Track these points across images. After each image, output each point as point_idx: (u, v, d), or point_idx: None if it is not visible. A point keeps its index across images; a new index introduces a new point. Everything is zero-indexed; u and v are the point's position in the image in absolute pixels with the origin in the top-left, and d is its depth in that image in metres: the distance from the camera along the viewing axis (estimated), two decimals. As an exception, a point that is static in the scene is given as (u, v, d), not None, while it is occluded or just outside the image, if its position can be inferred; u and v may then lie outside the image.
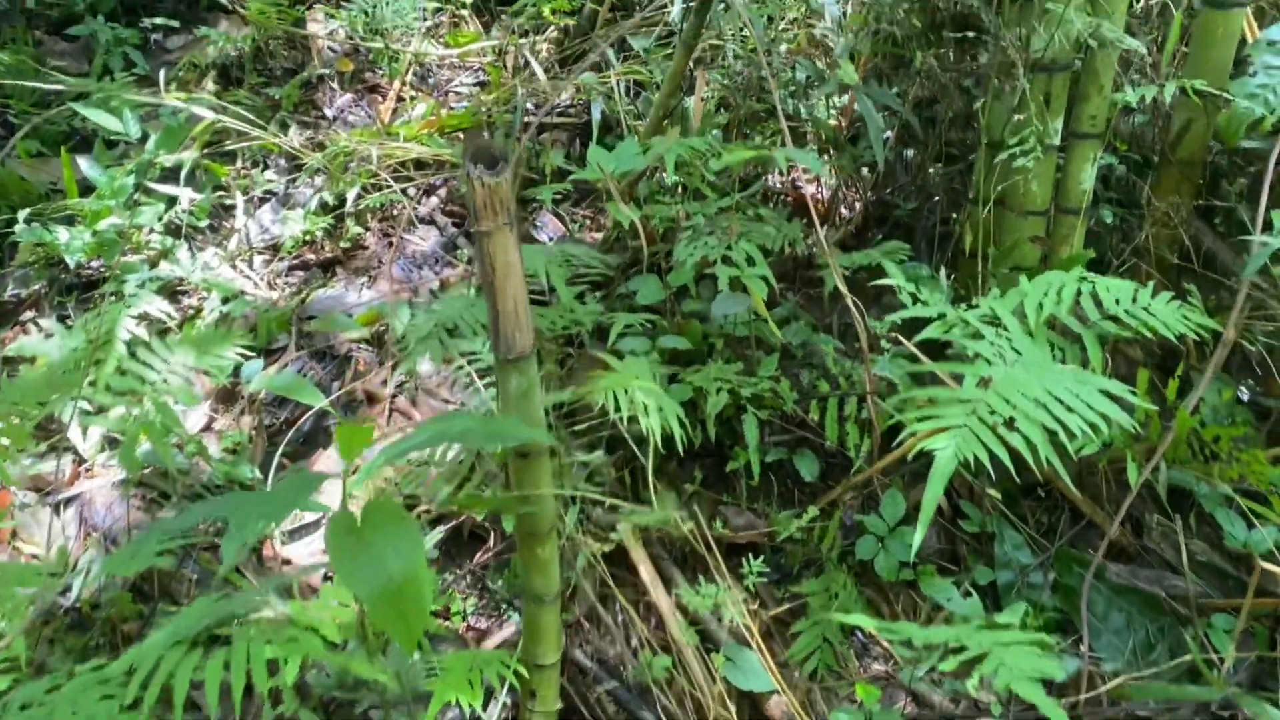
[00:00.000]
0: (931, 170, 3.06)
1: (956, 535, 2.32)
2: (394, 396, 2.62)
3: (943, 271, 2.70)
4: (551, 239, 3.15)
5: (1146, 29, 2.49)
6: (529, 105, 3.38)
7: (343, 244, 3.08)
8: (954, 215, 3.11)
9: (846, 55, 2.42)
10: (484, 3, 4.03)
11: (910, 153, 3.16)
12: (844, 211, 3.20)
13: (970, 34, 2.36)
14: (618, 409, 1.82)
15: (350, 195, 3.03)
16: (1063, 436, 1.75)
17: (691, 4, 2.48)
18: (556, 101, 3.41)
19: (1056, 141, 2.44)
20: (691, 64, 2.72)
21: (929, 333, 2.02)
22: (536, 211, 3.17)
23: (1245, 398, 2.53)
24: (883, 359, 2.40)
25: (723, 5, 2.67)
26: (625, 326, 2.37)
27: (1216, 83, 2.44)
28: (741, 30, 2.71)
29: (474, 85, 3.74)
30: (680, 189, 2.71)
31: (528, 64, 3.56)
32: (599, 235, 3.08)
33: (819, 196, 3.08)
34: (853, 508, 2.37)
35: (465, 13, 3.92)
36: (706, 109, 3.06)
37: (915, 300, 2.18)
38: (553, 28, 3.78)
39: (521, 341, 1.48)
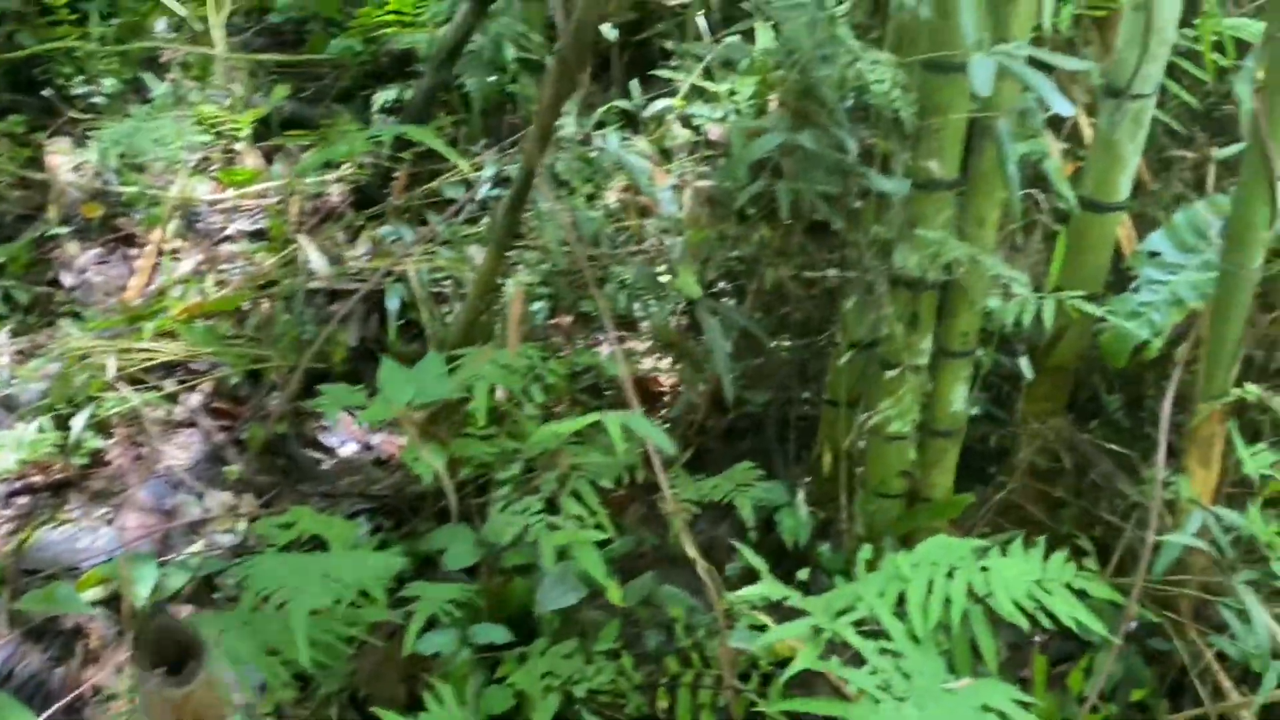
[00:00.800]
0: (782, 349, 2.74)
1: None
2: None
3: (800, 495, 2.38)
4: (344, 443, 2.65)
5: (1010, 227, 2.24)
6: (313, 269, 2.87)
7: (77, 459, 2.49)
8: (806, 396, 2.81)
9: (685, 261, 2.05)
10: (266, 127, 3.48)
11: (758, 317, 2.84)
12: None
13: (828, 250, 2.04)
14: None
15: (82, 415, 2.44)
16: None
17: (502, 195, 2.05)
18: (350, 261, 2.93)
19: (924, 361, 2.15)
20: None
21: (802, 662, 1.65)
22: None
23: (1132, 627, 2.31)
24: (741, 625, 2.03)
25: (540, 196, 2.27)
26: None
27: (1091, 288, 2.21)
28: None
29: (251, 233, 3.19)
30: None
31: (316, 211, 3.06)
32: (403, 442, 2.60)
33: (660, 386, 2.71)
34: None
35: (240, 145, 3.36)
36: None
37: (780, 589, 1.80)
38: (347, 164, 3.28)
39: None
